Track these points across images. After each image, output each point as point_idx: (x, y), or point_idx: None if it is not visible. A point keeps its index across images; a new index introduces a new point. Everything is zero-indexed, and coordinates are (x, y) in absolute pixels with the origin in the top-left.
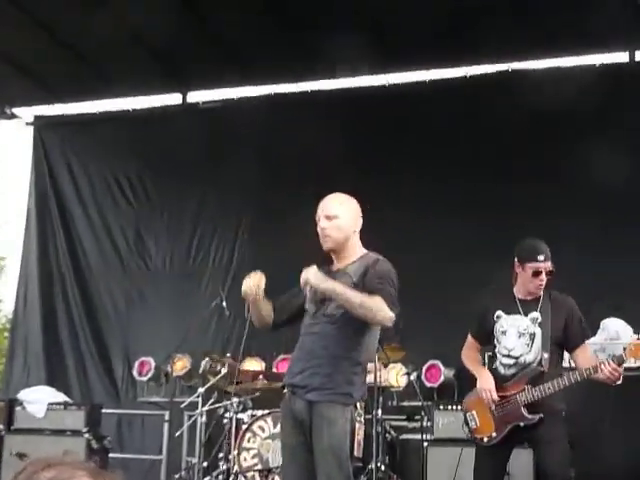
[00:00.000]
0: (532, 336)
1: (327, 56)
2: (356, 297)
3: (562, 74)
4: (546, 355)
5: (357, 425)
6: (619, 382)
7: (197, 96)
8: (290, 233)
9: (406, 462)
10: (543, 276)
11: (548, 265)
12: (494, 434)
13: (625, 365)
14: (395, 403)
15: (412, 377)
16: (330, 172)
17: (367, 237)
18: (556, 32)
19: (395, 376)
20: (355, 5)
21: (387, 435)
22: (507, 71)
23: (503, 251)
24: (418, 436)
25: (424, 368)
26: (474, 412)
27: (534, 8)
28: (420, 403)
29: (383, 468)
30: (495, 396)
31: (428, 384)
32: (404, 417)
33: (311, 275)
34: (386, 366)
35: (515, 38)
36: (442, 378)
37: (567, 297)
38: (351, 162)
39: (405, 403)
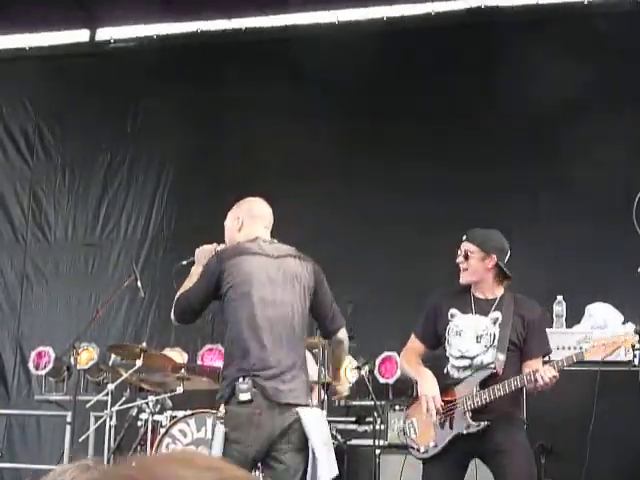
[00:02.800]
0: (492, 337)
1: None
2: None
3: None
4: (501, 357)
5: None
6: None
7: (108, 33)
8: (215, 196)
9: (355, 472)
10: (461, 257)
11: (465, 246)
12: (432, 444)
13: (612, 359)
14: (342, 402)
15: (363, 372)
16: (261, 123)
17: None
18: None
19: (343, 370)
20: None
21: (333, 441)
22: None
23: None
24: (370, 441)
25: (377, 361)
26: (414, 420)
27: None
28: (372, 402)
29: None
30: (439, 404)
31: (382, 380)
32: (353, 419)
33: None
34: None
35: None
36: (398, 373)
37: (535, 303)
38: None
39: (355, 402)
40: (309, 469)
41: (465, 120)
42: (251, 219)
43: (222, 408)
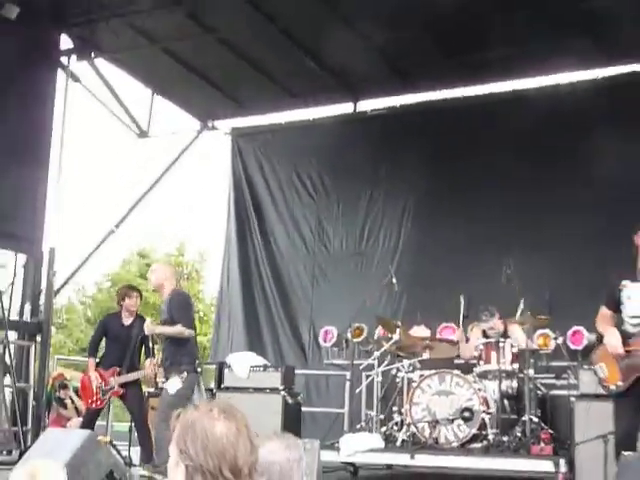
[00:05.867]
0: None
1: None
2: (168, 330)
3: None
4: None
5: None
6: None
7: (366, 105)
8: (444, 222)
9: (555, 415)
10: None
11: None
12: (620, 383)
13: None
14: (545, 363)
15: (559, 341)
16: (478, 171)
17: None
18: None
19: (544, 340)
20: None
21: (538, 392)
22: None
23: None
24: (566, 392)
25: (569, 333)
26: (602, 364)
27: None
28: (567, 363)
29: (535, 420)
30: (620, 349)
31: (573, 347)
32: (553, 375)
33: (145, 328)
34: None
35: None
36: (585, 342)
37: None
38: (496, 161)
39: (554, 363)
40: None
41: None
42: (172, 275)
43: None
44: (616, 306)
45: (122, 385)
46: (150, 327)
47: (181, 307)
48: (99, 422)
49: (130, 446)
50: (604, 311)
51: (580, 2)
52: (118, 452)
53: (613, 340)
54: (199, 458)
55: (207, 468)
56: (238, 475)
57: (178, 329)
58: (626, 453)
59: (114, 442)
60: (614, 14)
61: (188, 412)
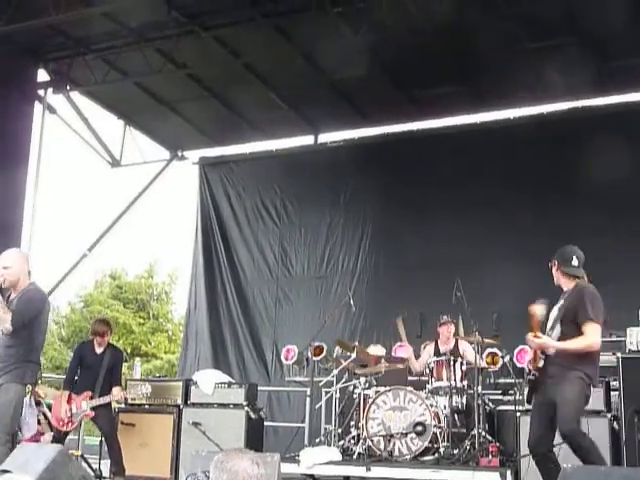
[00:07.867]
0: (555, 318)
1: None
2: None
3: None
4: (557, 332)
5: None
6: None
7: (326, 137)
8: (399, 245)
9: (502, 429)
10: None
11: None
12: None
13: None
14: (492, 381)
15: (505, 359)
16: (430, 197)
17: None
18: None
19: (492, 358)
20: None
21: (486, 407)
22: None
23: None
24: (512, 407)
25: (515, 352)
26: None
27: None
28: (513, 380)
29: (484, 434)
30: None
31: (519, 365)
32: (500, 392)
33: None
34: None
35: None
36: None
37: (586, 286)
38: (447, 187)
39: (501, 380)
40: None
41: None
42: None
43: None
44: None
45: (93, 408)
46: None
47: (27, 301)
48: (71, 436)
49: (100, 459)
50: None
51: (525, 43)
52: (89, 465)
53: (532, 344)
54: None
55: None
56: None
57: (7, 316)
58: (565, 465)
59: (85, 455)
60: (558, 54)
61: None
